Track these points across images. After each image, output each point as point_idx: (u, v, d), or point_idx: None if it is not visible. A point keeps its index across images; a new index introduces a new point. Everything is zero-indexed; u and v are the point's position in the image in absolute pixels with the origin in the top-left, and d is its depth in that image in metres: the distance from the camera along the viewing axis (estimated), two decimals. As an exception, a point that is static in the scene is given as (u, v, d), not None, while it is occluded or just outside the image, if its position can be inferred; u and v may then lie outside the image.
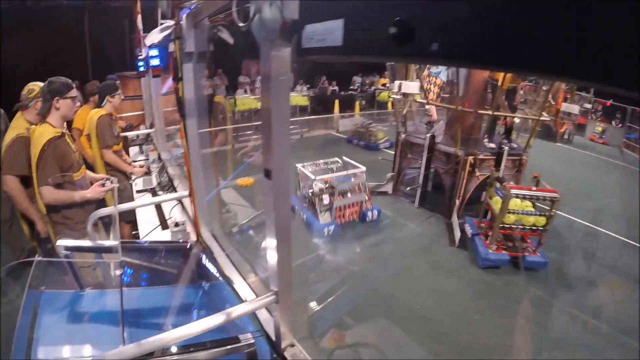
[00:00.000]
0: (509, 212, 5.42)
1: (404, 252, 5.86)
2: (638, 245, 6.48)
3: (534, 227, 5.51)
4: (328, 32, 0.87)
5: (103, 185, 3.23)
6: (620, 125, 16.37)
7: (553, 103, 8.00)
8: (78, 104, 3.25)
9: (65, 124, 3.25)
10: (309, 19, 1.00)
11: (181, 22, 2.47)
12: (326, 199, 6.32)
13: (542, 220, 5.46)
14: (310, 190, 6.32)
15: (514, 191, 5.36)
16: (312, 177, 6.31)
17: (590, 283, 5.44)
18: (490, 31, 0.58)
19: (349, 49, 0.84)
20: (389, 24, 0.70)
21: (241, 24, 1.29)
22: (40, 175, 2.95)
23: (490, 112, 6.69)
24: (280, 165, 1.40)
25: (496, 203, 5.74)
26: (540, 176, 6.18)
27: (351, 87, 16.99)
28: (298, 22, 1.05)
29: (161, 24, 3.41)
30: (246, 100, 12.93)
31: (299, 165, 6.85)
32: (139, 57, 6.85)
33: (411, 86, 6.90)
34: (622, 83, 0.45)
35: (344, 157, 7.32)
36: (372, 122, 12.52)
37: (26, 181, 3.29)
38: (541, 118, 7.13)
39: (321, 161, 7.23)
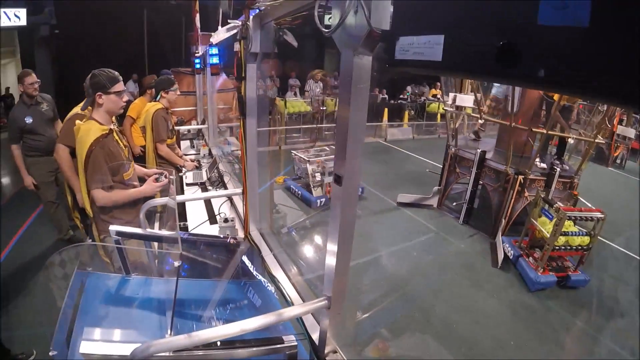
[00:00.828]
0: (562, 234, 5.31)
1: (445, 267, 5.76)
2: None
3: (579, 247, 5.42)
4: (426, 46, 0.87)
5: (157, 180, 3.13)
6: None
7: (609, 125, 7.69)
8: (125, 98, 3.04)
9: (114, 118, 3.11)
10: (400, 30, 1.00)
11: (248, 23, 2.52)
12: (318, 176, 7.53)
13: (586, 240, 5.38)
14: (306, 170, 7.57)
15: (568, 213, 5.22)
16: (307, 159, 7.60)
17: (624, 309, 5.24)
18: (601, 61, 0.58)
19: (449, 66, 0.83)
20: (495, 45, 0.70)
21: (325, 30, 1.30)
22: (90, 178, 2.78)
23: (544, 131, 6.49)
24: (351, 172, 1.39)
25: (543, 224, 5.61)
26: (578, 194, 5.99)
27: (401, 97, 16.83)
28: (389, 33, 1.06)
29: (227, 23, 3.49)
30: (296, 103, 12.99)
31: (294, 152, 7.98)
32: (196, 55, 7.04)
33: (465, 99, 6.79)
34: None
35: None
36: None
37: (75, 153, 3.35)
38: (596, 140, 6.86)
39: (312, 150, 8.43)
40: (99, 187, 2.80)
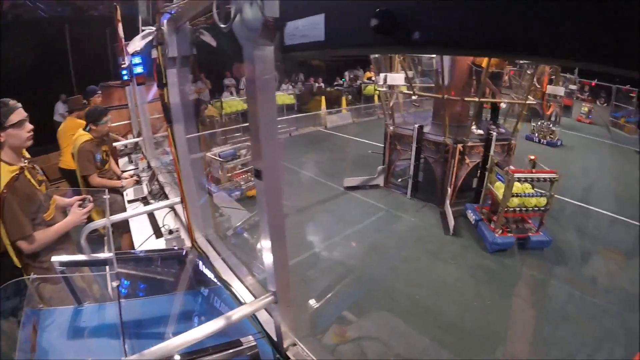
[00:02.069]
0: (513, 196, 5.53)
1: (400, 243, 5.88)
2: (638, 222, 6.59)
3: (536, 208, 5.63)
4: (310, 27, 0.86)
5: (81, 206, 2.92)
6: (605, 104, 16.63)
7: (538, 86, 8.10)
8: (29, 127, 2.67)
9: (24, 151, 2.78)
10: (290, 15, 0.99)
11: (162, 28, 2.45)
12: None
13: (543, 201, 5.60)
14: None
15: (516, 175, 5.44)
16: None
17: (585, 259, 5.55)
18: (467, 17, 0.59)
19: (332, 43, 0.83)
20: (370, 15, 0.70)
21: (223, 25, 1.28)
22: (9, 229, 2.53)
23: (476, 99, 6.72)
24: (270, 165, 1.38)
25: (498, 188, 5.82)
26: (537, 158, 6.26)
27: (336, 83, 16.99)
28: (279, 20, 1.04)
29: (142, 30, 3.38)
30: (232, 103, 12.89)
31: (209, 154, 7.50)
32: (123, 66, 6.79)
33: (396, 78, 6.92)
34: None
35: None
36: (550, 124, 12.62)
37: None
38: (527, 102, 7.18)
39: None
40: (21, 237, 2.56)
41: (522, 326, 4.27)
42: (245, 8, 1.18)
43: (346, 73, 17.74)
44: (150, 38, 2.80)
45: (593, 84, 17.54)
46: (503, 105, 7.97)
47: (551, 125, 12.57)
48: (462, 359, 3.70)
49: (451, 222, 6.14)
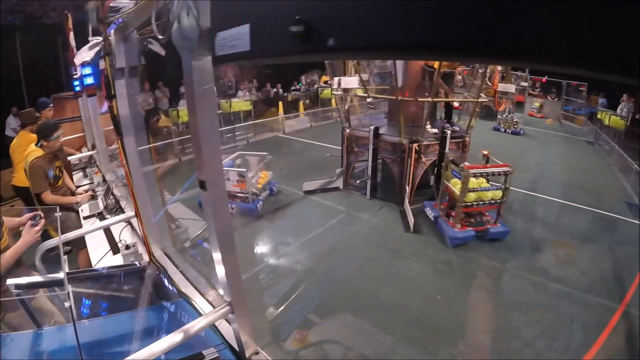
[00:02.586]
0: (470, 191, 5.68)
1: (362, 244, 5.92)
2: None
3: (493, 201, 5.83)
4: (237, 38, 0.87)
5: (34, 225, 2.77)
6: (556, 99, 17.36)
7: (490, 84, 8.37)
8: None
9: None
10: (222, 25, 0.99)
11: (110, 38, 2.40)
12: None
13: (499, 194, 5.80)
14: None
15: (471, 171, 5.60)
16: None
17: (538, 246, 5.78)
18: (377, 21, 0.61)
19: (257, 53, 0.84)
20: (289, 24, 0.71)
21: (160, 37, 1.26)
22: None
23: (429, 99, 6.86)
24: (214, 175, 1.37)
25: (455, 184, 5.96)
26: (489, 153, 6.45)
27: (293, 88, 17.03)
28: (211, 30, 1.04)
29: (89, 40, 3.29)
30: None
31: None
32: (74, 77, 6.58)
33: (351, 81, 6.99)
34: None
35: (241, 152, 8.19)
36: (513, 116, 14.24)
37: None
38: (479, 100, 7.41)
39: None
40: None
41: (485, 316, 4.39)
42: (183, 18, 1.18)
43: (303, 77, 17.81)
44: (97, 48, 2.73)
45: (544, 80, 18.27)
46: (456, 104, 8.19)
47: (514, 117, 13.96)
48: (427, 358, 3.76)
49: (411, 220, 6.24)
